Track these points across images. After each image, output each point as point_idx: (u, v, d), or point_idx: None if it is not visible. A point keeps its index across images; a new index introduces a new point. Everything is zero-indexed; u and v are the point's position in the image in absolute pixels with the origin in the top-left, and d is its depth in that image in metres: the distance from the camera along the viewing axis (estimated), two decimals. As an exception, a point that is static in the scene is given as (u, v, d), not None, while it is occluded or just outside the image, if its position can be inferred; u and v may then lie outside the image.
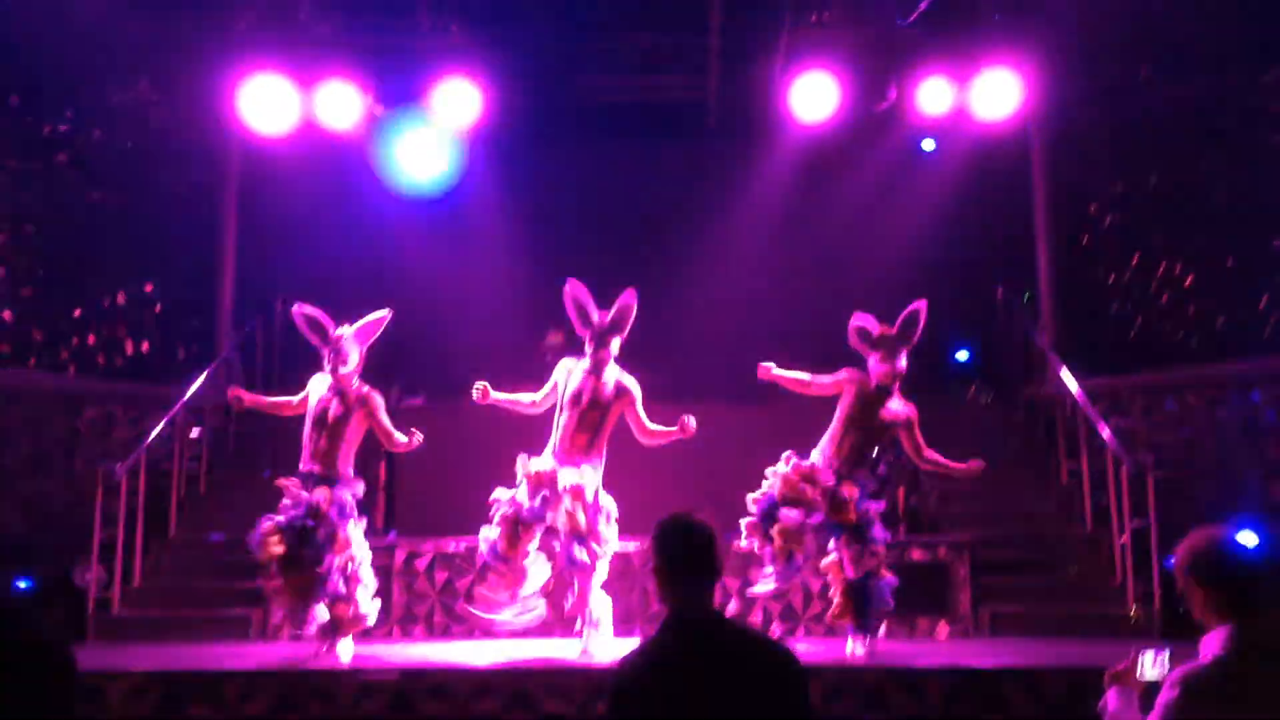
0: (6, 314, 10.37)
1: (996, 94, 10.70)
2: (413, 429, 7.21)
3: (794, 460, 7.04)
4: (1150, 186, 10.86)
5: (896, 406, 7.11)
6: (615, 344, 7.08)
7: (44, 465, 10.08)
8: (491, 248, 11.66)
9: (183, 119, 11.32)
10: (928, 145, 11.98)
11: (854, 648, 6.88)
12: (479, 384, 7.09)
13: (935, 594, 8.33)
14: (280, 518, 6.83)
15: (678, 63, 11.56)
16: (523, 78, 11.20)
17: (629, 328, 7.10)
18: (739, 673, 2.87)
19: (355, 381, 7.18)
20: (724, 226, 11.71)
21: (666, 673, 2.87)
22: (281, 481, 7.02)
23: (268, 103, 10.78)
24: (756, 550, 7.11)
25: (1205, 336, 10.33)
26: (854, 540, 6.87)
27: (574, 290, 7.08)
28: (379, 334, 7.32)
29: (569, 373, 7.14)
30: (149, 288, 11.21)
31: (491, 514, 7.03)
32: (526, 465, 6.99)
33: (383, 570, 8.38)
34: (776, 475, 7.03)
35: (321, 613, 6.81)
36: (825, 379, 7.18)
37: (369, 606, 6.98)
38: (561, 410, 7.08)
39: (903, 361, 7.06)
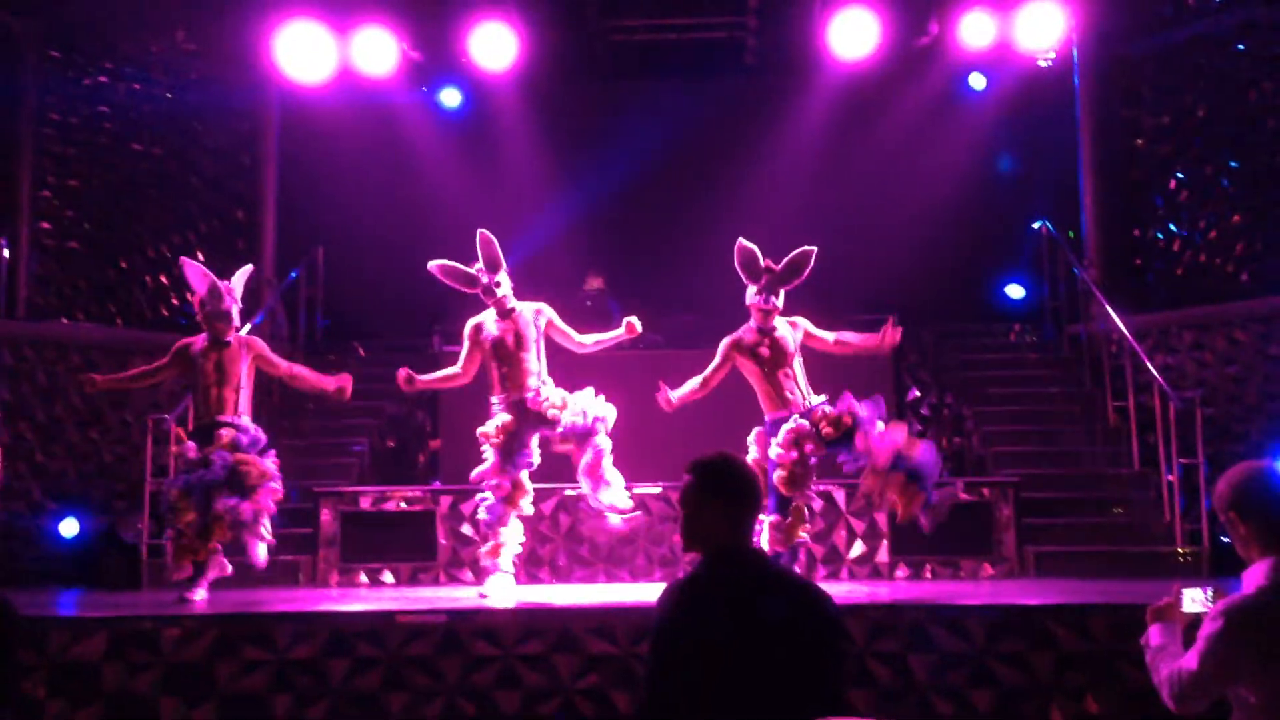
0: (54, 267, 10.48)
1: (1040, 25, 10.52)
2: (345, 375, 7.53)
3: (766, 437, 6.90)
4: (1198, 119, 10.64)
5: (782, 332, 6.98)
6: (502, 279, 7.23)
7: (94, 416, 10.24)
8: (530, 191, 11.64)
9: (221, 68, 11.35)
10: (977, 82, 11.76)
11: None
12: (402, 371, 7.30)
13: (979, 535, 8.28)
14: (178, 480, 7.05)
15: (715, 0, 11.41)
16: (559, 19, 11.11)
17: (501, 260, 7.23)
18: (777, 610, 2.89)
19: (232, 334, 7.37)
20: (762, 165, 11.59)
21: (708, 607, 2.89)
22: (175, 448, 7.25)
23: (305, 50, 10.81)
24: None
25: (1255, 271, 10.15)
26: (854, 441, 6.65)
27: (445, 269, 7.30)
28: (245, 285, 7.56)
29: (478, 328, 7.30)
30: (192, 238, 11.28)
31: (485, 487, 7.12)
32: (485, 435, 7.10)
33: (428, 516, 8.52)
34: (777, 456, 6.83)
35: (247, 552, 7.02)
36: (715, 365, 7.03)
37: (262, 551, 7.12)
38: (494, 362, 7.23)
39: (777, 299, 6.96)
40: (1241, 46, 10.34)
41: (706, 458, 3.08)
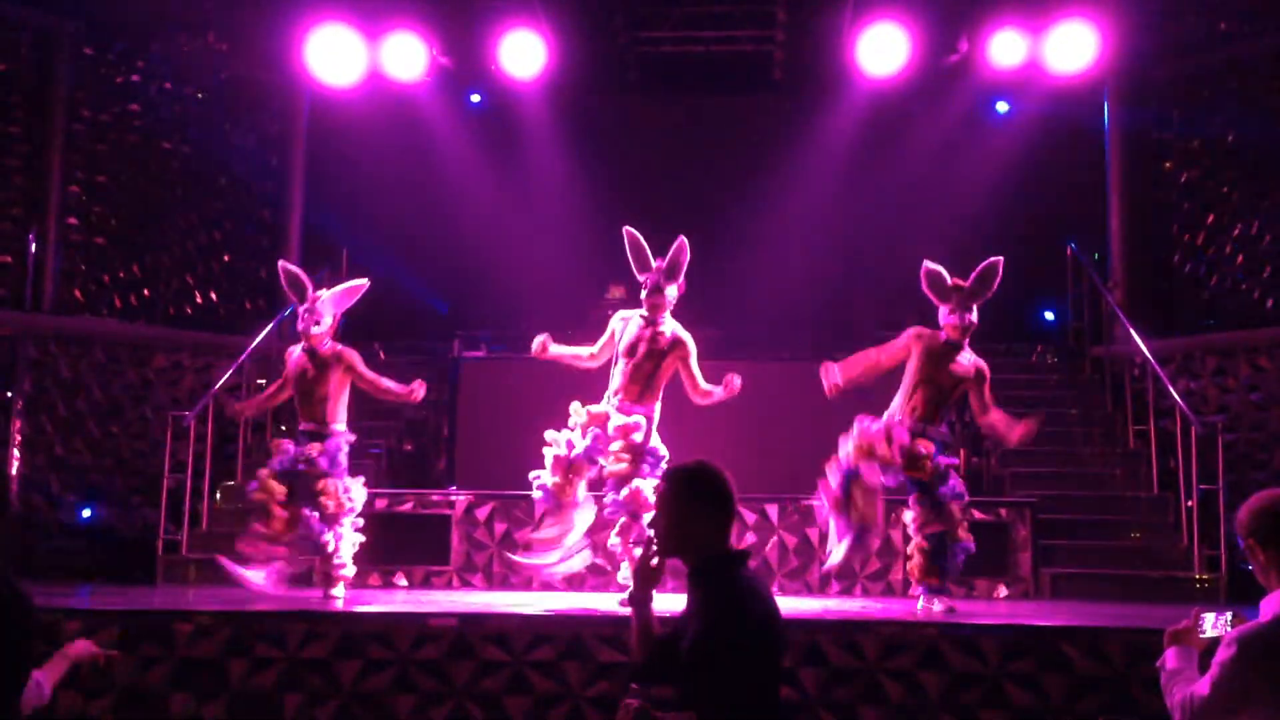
0: (80, 262, 10.54)
1: (1071, 46, 10.47)
2: (419, 381, 7.37)
3: (867, 421, 6.87)
4: (1228, 143, 10.58)
5: (967, 360, 6.94)
6: (672, 291, 7.03)
7: (115, 411, 10.29)
8: (554, 200, 11.66)
9: (251, 70, 11.41)
10: (1001, 107, 11.79)
11: (924, 605, 6.74)
12: (540, 337, 7.11)
13: (995, 555, 8.24)
14: (274, 463, 7.16)
15: (743, 14, 11.41)
16: (587, 29, 11.14)
17: (683, 276, 7.05)
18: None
19: (327, 342, 7.35)
20: (788, 181, 11.58)
21: (763, 599, 3.16)
22: (275, 442, 7.33)
23: (335, 53, 10.86)
24: (835, 522, 6.87)
25: (1281, 298, 10.08)
26: (928, 497, 6.75)
27: (632, 237, 7.09)
28: (354, 301, 7.54)
29: (625, 322, 7.12)
30: (218, 237, 11.34)
31: (544, 456, 7.07)
32: (580, 411, 7.00)
33: (443, 520, 8.53)
34: (852, 438, 6.85)
35: (292, 556, 7.10)
36: (893, 346, 7.00)
37: (348, 560, 7.16)
38: (616, 360, 7.07)
39: (973, 315, 6.92)
40: (1273, 72, 10.28)
41: (687, 465, 3.23)
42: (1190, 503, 8.35)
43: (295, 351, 7.45)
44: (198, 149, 11.24)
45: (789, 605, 7.01)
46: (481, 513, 8.48)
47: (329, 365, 7.32)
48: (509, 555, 7.17)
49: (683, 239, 7.04)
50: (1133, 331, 9.72)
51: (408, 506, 8.65)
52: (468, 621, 5.84)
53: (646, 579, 3.32)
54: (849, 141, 11.61)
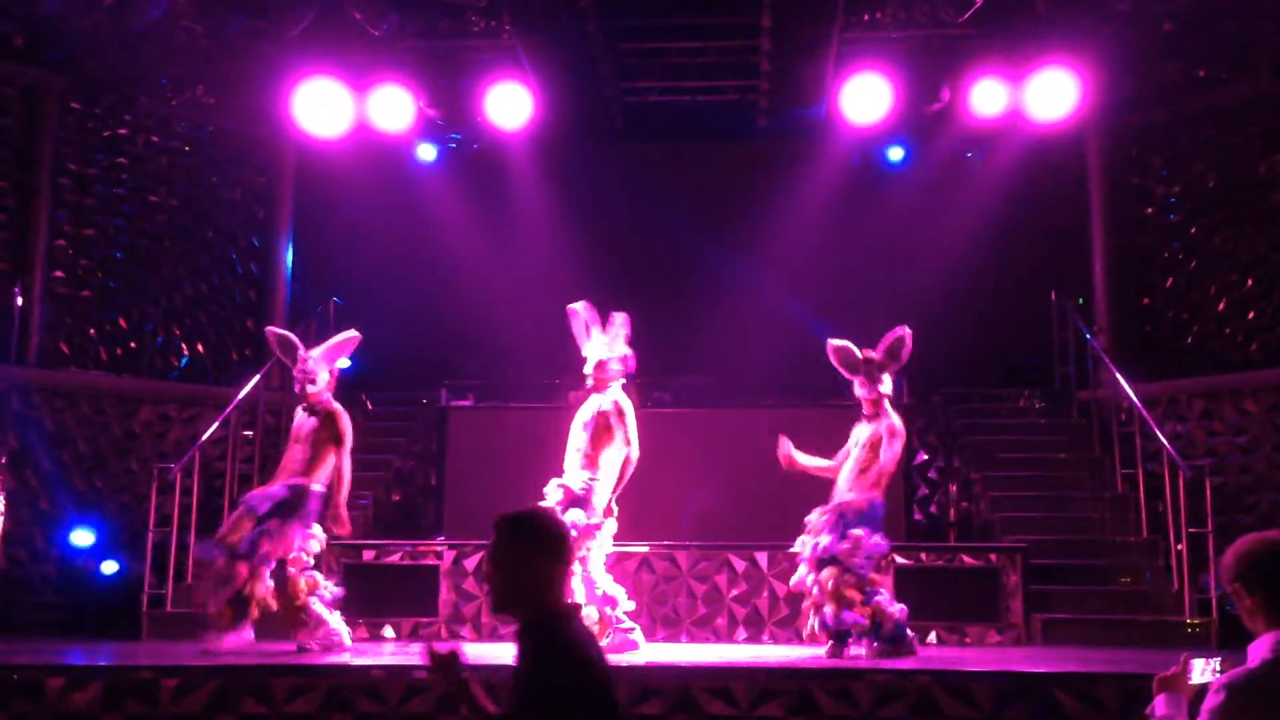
0: (66, 315, 10.51)
1: (1052, 94, 10.55)
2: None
3: (827, 516, 7.02)
4: (1209, 189, 10.67)
5: (883, 427, 7.09)
6: (615, 366, 7.33)
7: (100, 465, 10.24)
8: (541, 250, 11.70)
9: (238, 123, 11.46)
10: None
11: (829, 652, 6.90)
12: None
13: (986, 601, 8.22)
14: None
15: (728, 65, 11.51)
16: (573, 80, 11.21)
17: (628, 347, 7.36)
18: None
19: (325, 396, 7.47)
20: (773, 227, 11.65)
21: (597, 653, 2.96)
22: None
23: (322, 106, 10.89)
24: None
25: (1264, 342, 10.13)
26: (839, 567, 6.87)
27: (586, 311, 7.40)
28: (348, 353, 7.69)
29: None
30: (204, 289, 11.33)
31: None
32: (555, 489, 7.19)
33: (431, 571, 8.48)
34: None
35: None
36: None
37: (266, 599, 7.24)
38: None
39: (885, 385, 7.13)
40: (1251, 118, 10.40)
41: (520, 513, 2.99)
42: (1180, 546, 8.34)
43: (299, 414, 7.54)
44: (184, 202, 11.27)
45: (778, 654, 6.98)
46: (470, 563, 8.43)
47: (309, 419, 7.44)
48: None
49: (624, 317, 7.34)
50: (1118, 376, 9.75)
51: (395, 557, 8.59)
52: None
53: (447, 669, 3.11)
54: (834, 188, 11.70)
